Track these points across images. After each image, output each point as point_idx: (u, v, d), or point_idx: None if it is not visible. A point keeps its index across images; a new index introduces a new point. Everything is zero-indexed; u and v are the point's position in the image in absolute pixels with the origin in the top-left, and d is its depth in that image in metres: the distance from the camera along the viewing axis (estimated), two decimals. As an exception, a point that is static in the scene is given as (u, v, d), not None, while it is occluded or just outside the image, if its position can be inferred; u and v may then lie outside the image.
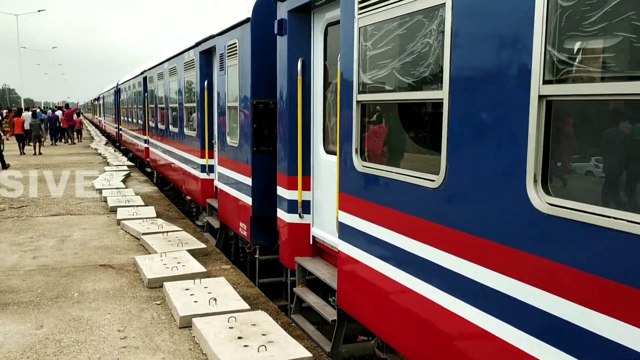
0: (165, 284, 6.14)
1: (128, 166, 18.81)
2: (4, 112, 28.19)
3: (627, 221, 2.30)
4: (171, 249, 7.59)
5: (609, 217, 2.39)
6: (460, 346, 3.38)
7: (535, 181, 2.76)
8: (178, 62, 12.04)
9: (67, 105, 40.15)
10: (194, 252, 7.54)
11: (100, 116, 49.99)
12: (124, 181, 15.09)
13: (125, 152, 25.68)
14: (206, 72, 9.75)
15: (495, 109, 3.05)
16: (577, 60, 2.60)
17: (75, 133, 33.83)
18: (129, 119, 23.65)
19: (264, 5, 6.86)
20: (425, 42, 3.64)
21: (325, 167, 5.71)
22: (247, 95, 7.32)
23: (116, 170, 17.10)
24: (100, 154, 24.06)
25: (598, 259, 2.46)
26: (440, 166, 3.48)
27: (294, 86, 5.86)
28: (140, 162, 20.95)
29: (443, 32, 3.41)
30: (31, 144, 25.38)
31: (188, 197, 11.93)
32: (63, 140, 32.77)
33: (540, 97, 2.72)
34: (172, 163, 13.47)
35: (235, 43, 7.74)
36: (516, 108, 2.86)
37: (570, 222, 2.56)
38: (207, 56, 9.71)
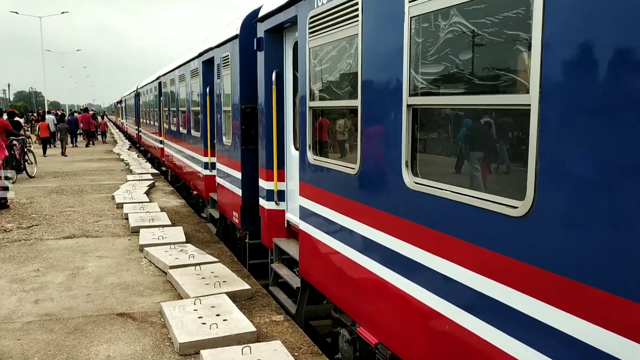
0: (204, 353, 4.81)
1: (152, 174, 17.73)
2: (33, 115, 29.54)
3: (455, 192, 3.36)
4: (207, 291, 6.32)
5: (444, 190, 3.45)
6: (388, 305, 4.42)
7: (406, 166, 3.83)
8: (186, 69, 13.26)
9: (85, 109, 41.45)
10: (235, 296, 6.36)
11: (122, 118, 51.81)
12: (148, 192, 14.05)
13: (145, 153, 27.10)
14: (208, 79, 10.91)
15: (384, 113, 4.12)
16: (427, 80, 3.67)
17: (94, 136, 35.42)
18: (147, 121, 25.03)
19: (249, 23, 7.97)
20: (347, 62, 4.72)
21: (295, 161, 6.81)
22: (237, 101, 8.45)
23: (139, 180, 16.07)
24: (122, 160, 23.17)
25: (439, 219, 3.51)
26: (357, 158, 4.56)
27: (270, 94, 6.97)
28: (157, 162, 22.23)
29: (357, 55, 4.49)
30: (53, 146, 26.78)
31: (195, 192, 13.15)
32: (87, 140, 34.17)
33: (408, 105, 3.79)
34: (182, 161, 14.70)
35: (228, 55, 8.89)
36: (396, 111, 3.93)
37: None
38: (208, 65, 10.87)
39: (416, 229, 3.74)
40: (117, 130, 54.76)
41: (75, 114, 38.93)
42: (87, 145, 33.02)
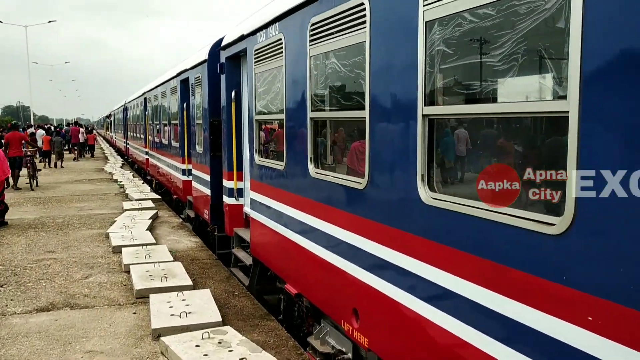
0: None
1: (154, 200, 14.85)
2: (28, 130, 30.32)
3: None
4: None
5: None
6: (302, 264, 5.93)
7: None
8: (167, 87, 14.82)
9: (76, 123, 42.38)
10: None
11: (111, 132, 53.22)
12: (151, 227, 11.43)
13: (132, 164, 28.50)
14: (184, 96, 12.46)
15: (299, 123, 5.68)
16: (320, 100, 5.23)
17: (84, 149, 36.45)
18: (135, 134, 26.51)
19: (215, 50, 9.54)
20: (277, 86, 6.29)
21: (250, 164, 8.35)
22: (206, 115, 10.00)
23: (139, 209, 13.31)
24: (116, 181, 20.18)
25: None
26: (284, 157, 6.10)
27: (230, 109, 8.51)
28: (144, 173, 23.64)
29: (282, 80, 6.05)
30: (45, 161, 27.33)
31: (175, 196, 14.66)
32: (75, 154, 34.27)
33: (311, 118, 5.34)
34: (164, 169, 16.21)
35: (200, 76, 10.46)
36: (303, 122, 5.47)
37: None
38: (185, 84, 12.43)
39: (316, 205, 5.28)
40: (107, 144, 55.27)
41: (65, 127, 39.84)
42: (75, 159, 32.90)
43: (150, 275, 7.67)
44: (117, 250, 9.50)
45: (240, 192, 8.67)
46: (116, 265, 8.82)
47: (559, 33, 2.54)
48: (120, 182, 19.31)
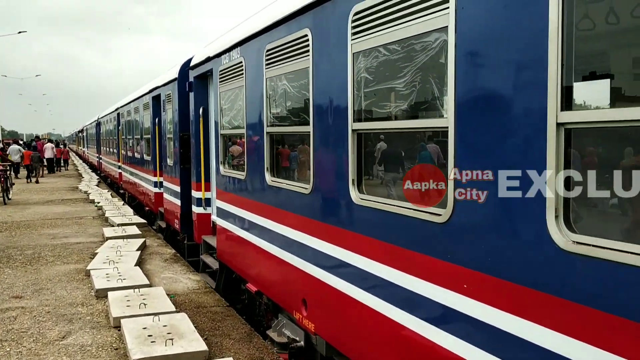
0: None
1: (139, 225, 12.94)
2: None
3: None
4: None
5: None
6: (272, 271, 6.57)
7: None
8: (139, 103, 15.39)
9: (37, 137, 40.41)
10: None
11: (84, 147, 53.15)
12: (140, 261, 9.65)
13: (105, 179, 28.78)
14: (156, 112, 13.06)
15: (257, 137, 6.35)
16: (276, 117, 5.92)
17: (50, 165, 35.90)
18: (108, 149, 26.87)
19: (184, 70, 10.19)
20: (239, 104, 6.98)
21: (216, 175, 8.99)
22: (177, 130, 10.62)
23: (123, 237, 11.29)
24: (93, 202, 18.00)
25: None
26: (245, 168, 6.77)
27: (198, 124, 9.15)
28: (117, 187, 23.99)
29: (244, 99, 6.73)
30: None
31: (147, 208, 15.16)
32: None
33: (267, 133, 6.03)
34: (136, 183, 16.71)
35: (170, 93, 11.09)
36: (260, 136, 6.15)
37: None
38: (156, 100, 13.03)
39: (271, 210, 5.96)
40: (81, 161, 54.55)
41: (33, 142, 38.95)
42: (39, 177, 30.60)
43: (149, 335, 5.77)
44: (102, 294, 7.58)
45: (208, 202, 9.29)
46: (102, 317, 6.81)
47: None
48: (98, 203, 17.15)
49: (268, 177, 6.03)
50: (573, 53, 2.51)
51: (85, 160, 49.79)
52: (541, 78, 2.56)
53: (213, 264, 8.76)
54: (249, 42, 6.52)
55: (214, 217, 9.07)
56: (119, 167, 21.71)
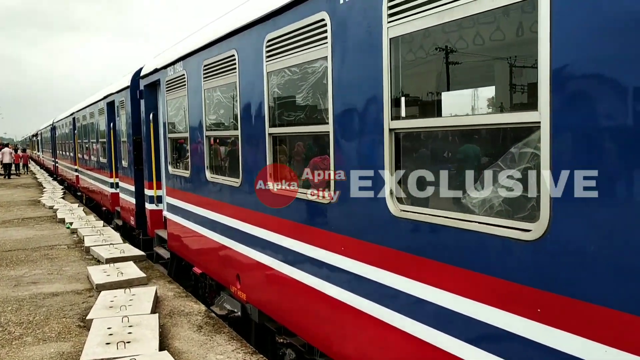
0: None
1: (135, 259, 9.34)
2: None
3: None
4: None
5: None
6: (212, 254, 7.57)
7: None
8: (94, 108, 16.12)
9: None
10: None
11: (39, 151, 52.74)
12: (162, 335, 5.91)
13: (61, 182, 29.08)
14: (111, 117, 13.86)
15: (197, 140, 7.36)
16: (213, 121, 6.95)
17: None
18: (63, 153, 27.25)
19: (136, 78, 11.07)
20: (182, 111, 7.96)
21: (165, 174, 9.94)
22: (130, 133, 11.49)
23: (121, 284, 7.66)
24: (63, 221, 13.98)
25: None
26: (189, 166, 7.76)
27: (149, 129, 10.06)
28: (75, 190, 24.43)
29: (185, 106, 7.72)
30: None
31: (104, 208, 15.91)
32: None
33: (206, 136, 7.05)
34: (94, 184, 17.41)
35: (123, 100, 11.95)
36: (202, 139, 7.16)
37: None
38: (111, 106, 13.83)
39: (210, 202, 6.98)
40: (37, 166, 53.50)
41: None
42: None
43: None
44: None
45: (160, 199, 10.22)
46: None
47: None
48: (70, 223, 13.30)
49: (208, 174, 7.05)
50: (400, 84, 3.63)
51: (40, 164, 49.47)
52: (380, 96, 3.68)
53: (165, 254, 9.71)
54: (190, 57, 7.51)
55: (164, 212, 10.01)
56: (76, 170, 22.25)
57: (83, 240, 11.27)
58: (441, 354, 3.25)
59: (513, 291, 2.76)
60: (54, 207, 17.03)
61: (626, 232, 2.27)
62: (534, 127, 2.62)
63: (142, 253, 9.87)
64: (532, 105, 2.65)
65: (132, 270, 8.45)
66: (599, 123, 2.36)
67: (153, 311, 6.66)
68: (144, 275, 8.21)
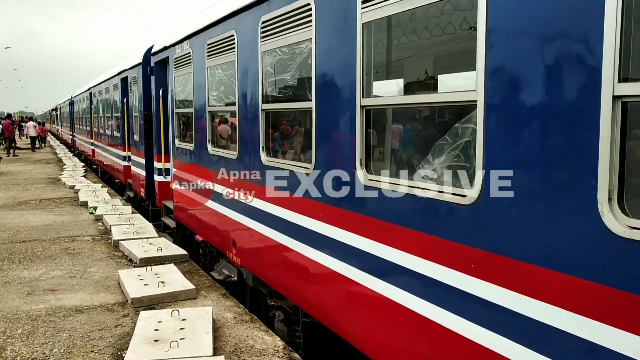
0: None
1: (175, 259, 7.71)
2: None
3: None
4: None
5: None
6: (212, 222, 8.03)
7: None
8: (110, 83, 16.61)
9: (9, 115, 37.23)
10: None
11: (57, 125, 53.71)
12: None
13: (79, 155, 29.80)
14: (124, 92, 14.34)
15: (201, 117, 7.78)
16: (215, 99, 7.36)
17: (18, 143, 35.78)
18: (81, 127, 27.93)
19: (148, 55, 11.50)
20: (188, 88, 8.37)
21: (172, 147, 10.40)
22: (141, 109, 11.96)
23: (163, 298, 6.06)
24: (86, 205, 12.30)
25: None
26: (193, 140, 8.19)
27: (158, 104, 10.51)
28: (90, 162, 25.09)
29: (192, 84, 8.13)
30: None
31: (117, 180, 16.50)
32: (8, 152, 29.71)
33: (209, 112, 7.47)
34: (108, 158, 17.99)
35: (136, 76, 12.40)
36: (205, 115, 7.59)
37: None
38: (124, 82, 14.31)
39: (211, 173, 7.42)
40: (56, 140, 53.64)
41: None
42: (10, 155, 28.99)
43: None
44: None
45: (168, 172, 10.70)
46: None
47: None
48: (94, 208, 11.76)
49: (210, 147, 7.48)
50: (372, 64, 4.00)
51: (59, 138, 50.44)
52: (353, 80, 4.05)
53: (171, 223, 10.22)
54: (195, 36, 7.90)
55: (173, 185, 10.49)
56: (92, 144, 22.87)
57: (110, 231, 9.46)
58: (398, 307, 3.66)
59: (452, 249, 3.16)
60: (75, 187, 15.39)
61: (540, 197, 2.64)
62: (473, 106, 2.99)
63: (183, 252, 8.02)
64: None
65: (175, 278, 6.61)
66: (523, 105, 2.72)
67: (214, 351, 4.67)
68: (192, 287, 6.34)
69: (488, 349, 2.90)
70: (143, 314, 5.46)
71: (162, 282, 6.38)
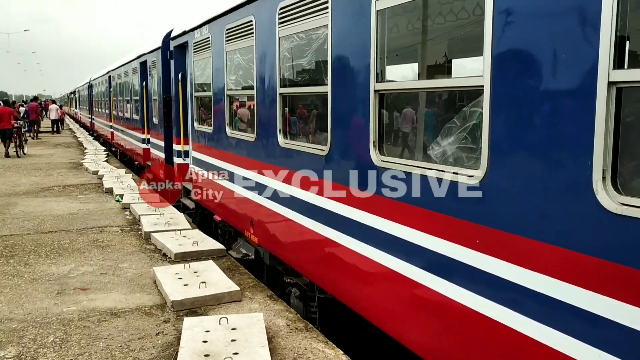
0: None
1: (214, 254, 7.17)
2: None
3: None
4: None
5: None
6: (230, 203, 8.29)
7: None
8: (129, 67, 16.88)
9: (35, 98, 36.85)
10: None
11: (76, 108, 54.39)
12: None
13: (97, 138, 30.23)
14: (144, 76, 14.59)
15: (219, 100, 7.99)
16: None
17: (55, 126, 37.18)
18: (100, 110, 28.34)
19: (167, 39, 11.71)
20: (206, 72, 8.57)
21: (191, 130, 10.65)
22: (160, 92, 12.20)
23: (207, 301, 5.51)
24: (111, 192, 12.04)
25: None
26: (212, 123, 8.42)
27: (177, 88, 10.73)
28: (108, 144, 25.47)
29: (211, 69, 8.33)
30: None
31: (136, 162, 16.84)
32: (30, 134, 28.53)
33: (228, 95, 7.68)
34: (127, 140, 18.33)
35: (155, 60, 12.63)
36: (223, 99, 7.79)
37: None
38: (144, 65, 14.55)
39: (229, 155, 7.65)
40: (72, 120, 54.49)
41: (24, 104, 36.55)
42: (35, 137, 29.09)
43: None
44: None
45: (187, 154, 10.97)
46: None
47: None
48: (120, 196, 11.34)
49: (228, 130, 7.70)
50: (385, 50, 4.17)
51: (77, 121, 51.10)
52: (367, 65, 4.23)
53: (190, 204, 10.50)
54: (214, 21, 8.09)
55: (191, 166, 10.76)
56: (111, 127, 23.25)
57: (139, 221, 9.00)
58: (409, 282, 3.87)
59: (457, 225, 3.35)
60: (99, 173, 15.03)
61: (541, 177, 2.82)
62: (480, 90, 3.16)
63: (220, 246, 7.44)
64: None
65: (216, 277, 6.03)
66: (526, 89, 2.89)
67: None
68: (236, 288, 5.72)
69: (492, 319, 3.09)
70: (187, 321, 4.89)
71: (204, 282, 5.74)
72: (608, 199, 2.38)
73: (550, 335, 2.68)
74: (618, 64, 2.33)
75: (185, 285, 5.79)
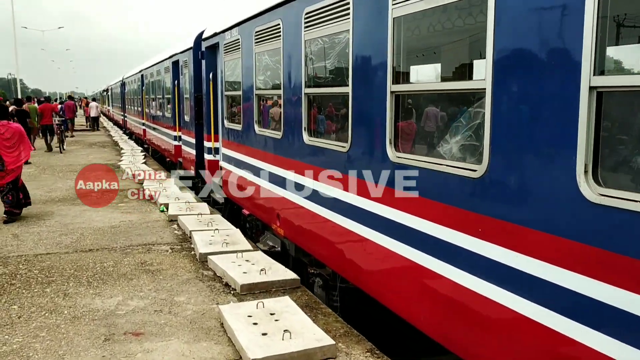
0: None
1: (288, 288, 6.05)
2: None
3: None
4: None
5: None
6: (257, 197, 8.72)
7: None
8: (161, 66, 17.49)
9: (70, 97, 38.20)
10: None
11: (109, 106, 55.74)
12: None
13: (130, 135, 31.01)
14: (175, 75, 15.14)
15: (248, 98, 8.42)
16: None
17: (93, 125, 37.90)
18: (132, 108, 29.17)
19: (199, 40, 12.21)
20: (236, 72, 9.01)
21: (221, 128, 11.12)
22: (192, 91, 12.71)
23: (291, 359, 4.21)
24: (153, 200, 11.08)
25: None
26: (241, 121, 8.85)
27: (208, 87, 11.21)
28: (141, 142, 26.17)
29: (240, 67, 8.76)
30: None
31: (168, 159, 17.43)
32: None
33: (256, 95, 8.10)
34: (159, 137, 18.96)
35: (187, 60, 13.15)
36: (252, 97, 8.22)
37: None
38: (175, 65, 15.10)
39: (258, 152, 8.07)
40: (105, 118, 55.25)
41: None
42: (70, 135, 28.70)
43: None
44: None
45: (217, 151, 11.45)
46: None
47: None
48: (165, 205, 10.41)
49: (257, 127, 8.12)
50: (401, 54, 4.52)
51: (110, 118, 52.38)
52: (385, 68, 4.58)
53: (220, 199, 10.98)
54: (244, 24, 8.51)
55: (220, 162, 11.23)
56: (143, 124, 23.97)
57: (190, 238, 8.00)
58: (422, 269, 4.21)
59: (462, 216, 3.69)
60: (139, 177, 13.87)
61: (534, 171, 3.14)
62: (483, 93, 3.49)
63: (293, 276, 6.27)
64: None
65: (300, 323, 4.84)
66: (521, 93, 3.22)
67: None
68: (330, 341, 4.52)
69: (491, 299, 3.43)
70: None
71: (287, 332, 4.54)
72: (589, 190, 2.69)
73: (539, 312, 3.01)
74: (598, 70, 2.65)
75: (263, 334, 4.58)
